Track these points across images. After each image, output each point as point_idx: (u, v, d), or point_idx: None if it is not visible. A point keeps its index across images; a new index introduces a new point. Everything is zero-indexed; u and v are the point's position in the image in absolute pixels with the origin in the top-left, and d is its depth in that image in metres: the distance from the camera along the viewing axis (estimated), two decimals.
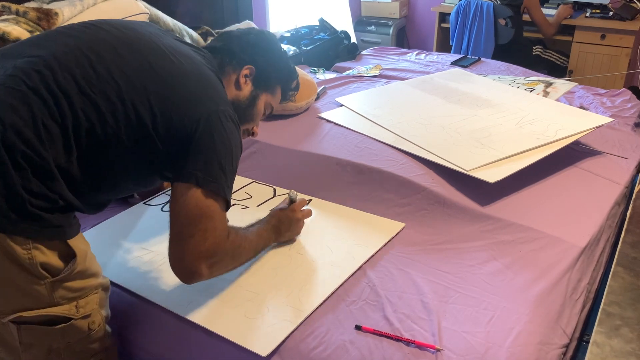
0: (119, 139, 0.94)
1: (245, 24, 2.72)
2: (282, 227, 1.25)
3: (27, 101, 0.87)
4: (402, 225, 1.35)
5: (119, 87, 0.94)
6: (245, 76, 1.17)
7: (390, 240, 1.30)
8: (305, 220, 1.31)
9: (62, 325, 0.93)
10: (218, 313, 1.08)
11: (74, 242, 0.92)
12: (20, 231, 0.85)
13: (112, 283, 1.18)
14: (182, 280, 1.00)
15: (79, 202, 0.93)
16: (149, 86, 0.97)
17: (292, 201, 1.29)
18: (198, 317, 1.07)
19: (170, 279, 1.17)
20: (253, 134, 1.27)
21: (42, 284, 0.89)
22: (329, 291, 1.12)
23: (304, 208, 1.31)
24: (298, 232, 1.30)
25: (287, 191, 1.53)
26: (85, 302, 0.96)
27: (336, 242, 1.29)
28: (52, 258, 0.89)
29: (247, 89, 1.18)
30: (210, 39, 2.38)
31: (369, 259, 1.23)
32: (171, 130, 0.97)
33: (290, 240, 1.29)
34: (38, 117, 0.87)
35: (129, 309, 1.14)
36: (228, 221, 1.05)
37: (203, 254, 0.97)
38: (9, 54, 0.96)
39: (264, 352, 0.98)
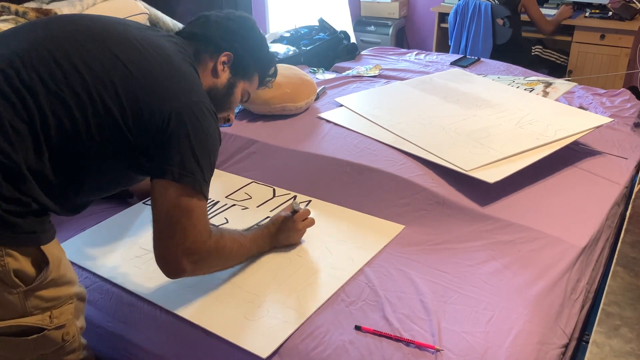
0: (89, 134, 0.92)
1: None
2: (280, 236, 1.24)
3: None
4: (401, 227, 1.35)
5: (84, 81, 0.92)
6: (223, 63, 1.14)
7: (389, 242, 1.30)
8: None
9: (35, 335, 0.90)
10: (218, 314, 1.08)
11: (48, 249, 0.89)
12: None
13: (112, 283, 1.18)
14: (167, 276, 1.01)
15: (54, 204, 0.91)
16: (116, 79, 0.94)
17: (295, 211, 1.26)
18: (198, 317, 1.07)
19: (170, 279, 1.17)
20: (228, 120, 1.24)
21: (14, 292, 0.86)
22: (329, 293, 1.12)
23: (308, 216, 1.29)
24: (296, 242, 1.28)
25: (287, 192, 1.53)
26: (59, 312, 0.93)
27: (336, 244, 1.29)
28: (25, 265, 0.86)
29: (224, 76, 1.15)
30: None
31: (368, 262, 1.22)
32: (141, 124, 0.95)
33: (288, 246, 1.29)
34: (4, 118, 0.84)
35: (129, 309, 1.14)
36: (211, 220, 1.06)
37: (184, 252, 0.97)
38: None
39: (263, 354, 0.98)
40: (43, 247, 0.89)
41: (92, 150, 0.93)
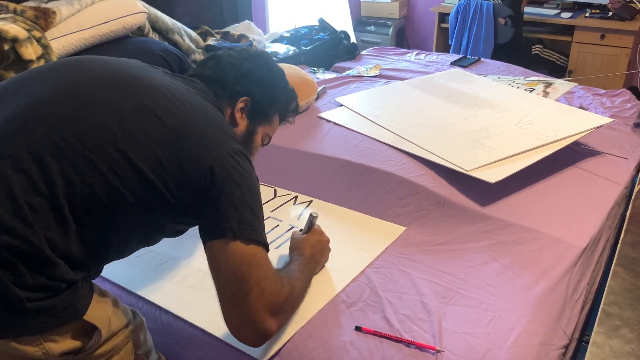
0: (123, 198, 0.80)
1: (245, 25, 2.72)
2: (317, 255, 1.15)
3: (2, 177, 0.73)
4: (402, 229, 1.35)
5: (116, 138, 0.80)
6: (241, 110, 1.05)
7: (390, 244, 1.29)
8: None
9: None
10: (218, 315, 1.07)
11: (92, 314, 0.80)
12: (25, 332, 0.75)
13: (112, 283, 1.18)
14: (252, 345, 0.89)
15: (82, 275, 0.81)
16: (151, 134, 0.83)
17: (311, 224, 1.19)
18: (198, 319, 1.06)
19: (170, 279, 1.17)
20: None
21: None
22: (329, 297, 1.11)
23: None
24: (329, 254, 1.21)
25: (288, 192, 1.53)
26: (119, 357, 0.87)
27: (336, 245, 1.28)
28: (69, 343, 0.79)
29: (243, 123, 1.06)
30: (209, 38, 2.38)
31: (369, 264, 1.22)
32: (183, 181, 0.84)
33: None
34: (19, 196, 0.72)
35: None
36: None
37: (266, 307, 0.86)
38: None
39: (263, 357, 0.97)
40: (86, 317, 0.80)
41: (125, 215, 0.82)
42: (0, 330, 0.74)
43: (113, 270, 1.20)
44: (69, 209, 0.76)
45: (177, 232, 0.97)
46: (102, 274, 1.19)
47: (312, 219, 1.18)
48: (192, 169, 0.84)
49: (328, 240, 1.19)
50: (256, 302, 0.85)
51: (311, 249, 1.14)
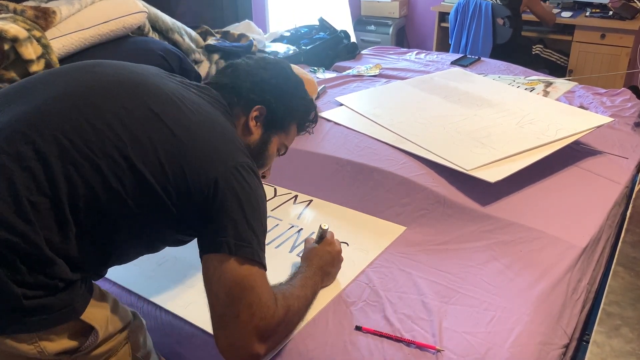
0: (125, 204, 0.80)
1: (245, 24, 2.72)
2: (327, 266, 1.12)
3: (7, 174, 0.73)
4: (402, 228, 1.35)
5: (122, 143, 0.80)
6: (255, 118, 1.02)
7: (391, 244, 1.29)
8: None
9: None
10: None
11: (89, 314, 0.80)
12: (21, 329, 0.74)
13: (112, 283, 1.18)
14: None
15: (81, 275, 0.80)
16: (157, 142, 0.82)
17: (322, 236, 1.15)
18: (198, 318, 1.06)
19: (170, 279, 1.17)
20: (264, 177, 1.12)
21: None
22: (330, 297, 1.11)
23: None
24: (339, 265, 1.18)
25: (288, 191, 1.53)
26: (116, 359, 0.87)
27: None
28: (66, 342, 0.78)
29: (257, 132, 1.03)
30: (209, 38, 2.37)
31: (369, 264, 1.22)
32: (186, 192, 0.83)
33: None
34: (22, 194, 0.72)
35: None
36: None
37: (254, 332, 0.83)
38: None
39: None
40: (83, 317, 0.79)
41: (125, 221, 0.82)
42: None
43: (113, 270, 1.19)
44: (69, 210, 0.76)
45: (178, 242, 0.96)
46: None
47: (322, 232, 1.15)
48: (196, 181, 0.83)
49: (339, 251, 1.16)
50: (244, 326, 0.83)
51: (320, 260, 1.10)
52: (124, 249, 0.87)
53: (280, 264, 1.22)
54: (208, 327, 1.03)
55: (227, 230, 0.83)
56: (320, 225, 1.15)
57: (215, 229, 0.84)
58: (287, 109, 1.06)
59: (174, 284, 1.15)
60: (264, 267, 0.87)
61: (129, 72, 0.92)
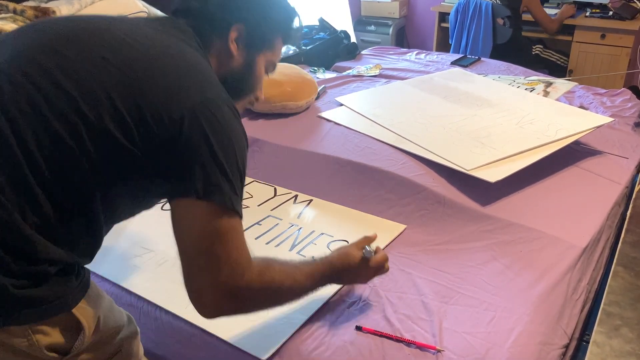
0: (91, 163, 0.74)
1: None
2: (345, 277, 1.06)
3: None
4: (402, 227, 1.35)
5: (72, 100, 0.74)
6: (236, 40, 0.92)
7: (391, 242, 1.30)
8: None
9: None
10: None
11: (81, 311, 0.77)
12: (12, 321, 0.71)
13: (112, 283, 1.18)
14: (202, 316, 0.84)
15: (74, 256, 0.76)
16: (110, 88, 0.76)
17: (367, 257, 1.05)
18: (199, 319, 1.06)
19: (170, 279, 1.17)
20: (257, 99, 1.04)
21: None
22: (330, 293, 1.11)
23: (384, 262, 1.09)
24: (355, 284, 1.14)
25: (288, 191, 1.53)
26: None
27: (337, 243, 1.29)
28: (58, 337, 0.76)
29: (239, 55, 0.94)
30: None
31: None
32: (150, 134, 0.76)
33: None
34: None
35: (128, 309, 1.13)
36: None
37: (221, 288, 0.79)
38: None
39: (263, 355, 0.97)
40: (75, 311, 0.76)
41: (96, 182, 0.76)
42: None
43: (113, 270, 1.21)
44: (35, 182, 0.71)
45: (163, 195, 0.86)
46: (102, 274, 1.20)
47: (366, 254, 1.05)
48: (158, 119, 0.76)
49: (369, 277, 1.08)
50: (210, 280, 0.79)
51: (344, 269, 1.02)
52: (108, 209, 0.81)
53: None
54: (208, 327, 1.04)
55: (195, 173, 0.76)
56: (375, 248, 1.07)
57: (182, 172, 0.77)
58: (267, 21, 0.96)
59: (173, 284, 1.15)
60: (239, 215, 0.80)
61: (72, 21, 0.86)
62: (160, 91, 0.78)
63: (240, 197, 0.81)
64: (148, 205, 0.92)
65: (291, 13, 1.02)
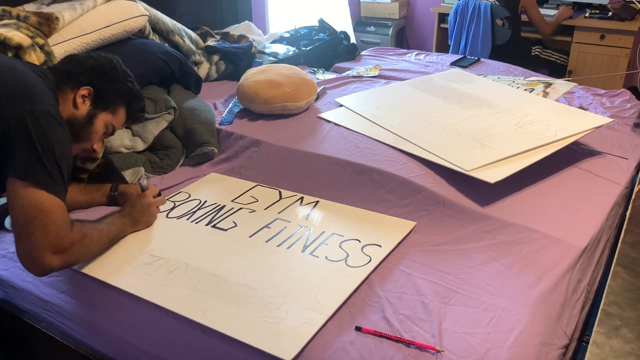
0: None
1: (245, 25, 2.73)
2: (136, 214, 1.33)
3: None
4: (413, 223, 1.35)
5: None
6: (83, 96, 1.24)
7: (404, 238, 1.29)
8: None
9: None
10: (236, 318, 1.05)
11: None
12: None
13: (124, 292, 1.16)
14: (34, 274, 1.08)
15: None
16: None
17: (142, 189, 1.38)
18: (216, 323, 1.05)
19: (181, 285, 1.15)
20: (94, 151, 1.31)
21: None
22: (348, 292, 1.11)
23: (157, 196, 1.42)
24: (154, 218, 1.38)
25: (293, 194, 1.53)
26: None
27: (349, 242, 1.28)
28: None
29: (84, 108, 1.25)
30: (209, 39, 2.38)
31: (386, 257, 1.22)
32: None
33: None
34: None
35: (141, 317, 1.12)
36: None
37: (47, 247, 1.03)
38: None
39: (287, 356, 0.96)
40: None
41: None
42: None
43: (125, 280, 1.18)
44: None
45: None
46: (114, 283, 1.17)
47: (141, 187, 1.39)
48: None
49: (149, 203, 1.37)
50: (39, 242, 1.03)
51: (130, 208, 1.33)
52: None
53: (293, 263, 1.22)
54: (227, 330, 1.02)
55: (17, 158, 1.03)
56: (140, 177, 1.41)
57: (9, 158, 1.04)
58: (112, 93, 1.30)
59: (187, 289, 1.14)
60: (60, 198, 1.07)
61: None
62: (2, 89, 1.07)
63: (58, 183, 1.07)
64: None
65: (137, 94, 1.37)
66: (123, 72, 1.34)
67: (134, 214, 1.33)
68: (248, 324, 1.04)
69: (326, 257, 1.23)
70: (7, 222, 1.36)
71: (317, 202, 1.48)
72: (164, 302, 1.11)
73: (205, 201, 1.49)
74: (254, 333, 1.01)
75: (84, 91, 1.24)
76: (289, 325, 1.03)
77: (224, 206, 1.48)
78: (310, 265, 1.20)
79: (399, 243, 1.28)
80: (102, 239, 1.21)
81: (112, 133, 1.35)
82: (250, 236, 1.33)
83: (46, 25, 1.66)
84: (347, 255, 1.23)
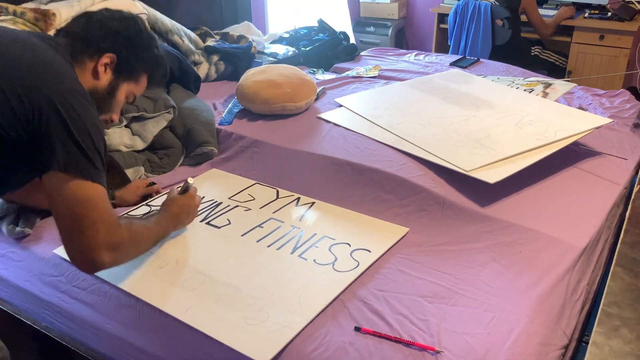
0: None
1: (244, 26, 2.73)
2: (182, 215, 1.28)
3: None
4: (405, 230, 1.35)
5: None
6: (105, 65, 1.13)
7: (393, 245, 1.29)
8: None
9: None
10: (218, 318, 1.06)
11: None
12: None
13: (111, 285, 1.18)
14: (86, 273, 1.04)
15: None
16: None
17: (186, 189, 1.32)
18: (198, 321, 1.06)
19: (169, 282, 1.17)
20: (112, 121, 1.21)
21: None
22: (331, 297, 1.11)
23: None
24: (194, 218, 1.34)
25: (290, 193, 1.53)
26: None
27: (339, 246, 1.28)
28: None
29: (105, 78, 1.13)
30: (209, 39, 2.38)
31: (372, 264, 1.22)
32: (12, 118, 0.92)
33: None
34: None
35: (128, 312, 1.13)
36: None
37: (100, 244, 0.97)
38: None
39: (263, 359, 0.96)
40: None
41: None
42: None
43: (113, 273, 1.19)
44: None
45: (30, 174, 1.04)
46: (102, 276, 1.19)
47: (187, 185, 1.33)
48: (21, 105, 0.92)
49: (196, 205, 1.32)
50: (90, 239, 0.96)
51: (178, 208, 1.26)
52: None
53: (281, 264, 1.22)
54: (208, 331, 1.03)
55: (56, 150, 0.93)
56: (186, 179, 1.34)
57: (45, 150, 0.94)
58: (137, 59, 1.17)
59: (174, 287, 1.15)
60: (101, 185, 0.98)
61: None
62: (20, 79, 0.94)
63: (100, 170, 0.99)
64: (13, 185, 1.09)
65: (160, 60, 1.25)
66: (148, 37, 1.22)
67: (181, 215, 1.27)
68: (228, 325, 1.04)
69: (314, 260, 1.23)
70: (4, 228, 1.35)
71: (313, 203, 1.48)
72: (150, 297, 1.12)
73: (203, 197, 1.49)
74: (233, 334, 1.02)
75: (106, 59, 1.12)
76: (269, 327, 1.03)
77: (220, 203, 1.48)
78: (297, 268, 1.20)
79: (389, 249, 1.27)
80: (151, 239, 1.15)
81: (133, 102, 1.25)
82: (242, 235, 1.33)
83: (43, 20, 1.66)
84: (335, 259, 1.23)
